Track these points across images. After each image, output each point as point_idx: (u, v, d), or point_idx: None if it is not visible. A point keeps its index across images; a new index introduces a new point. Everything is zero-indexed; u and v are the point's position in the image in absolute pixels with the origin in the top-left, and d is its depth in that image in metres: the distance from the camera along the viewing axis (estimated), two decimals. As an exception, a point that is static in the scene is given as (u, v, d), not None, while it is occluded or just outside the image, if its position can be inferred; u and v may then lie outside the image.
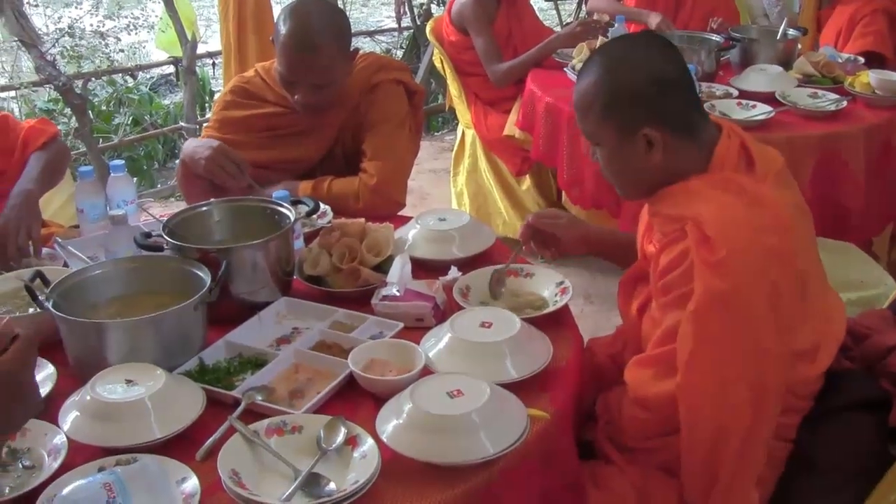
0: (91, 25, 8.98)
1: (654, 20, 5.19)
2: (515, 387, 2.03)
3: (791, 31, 4.83)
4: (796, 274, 2.09)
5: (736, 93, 4.34)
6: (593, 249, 2.68)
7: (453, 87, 5.53)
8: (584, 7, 8.56)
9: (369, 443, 1.87)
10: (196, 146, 3.02)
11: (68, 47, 8.47)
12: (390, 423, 1.90)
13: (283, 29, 2.99)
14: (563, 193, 4.84)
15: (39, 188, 2.98)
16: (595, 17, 5.14)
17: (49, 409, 2.05)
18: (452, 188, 5.70)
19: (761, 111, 4.08)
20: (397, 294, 2.38)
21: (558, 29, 5.67)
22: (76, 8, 9.46)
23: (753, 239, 2.02)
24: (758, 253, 2.01)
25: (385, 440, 1.86)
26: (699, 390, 2.02)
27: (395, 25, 9.60)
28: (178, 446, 1.93)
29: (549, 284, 2.53)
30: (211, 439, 1.94)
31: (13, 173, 3.06)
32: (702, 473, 2.07)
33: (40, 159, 3.07)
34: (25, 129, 3.15)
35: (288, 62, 3.00)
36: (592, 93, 2.22)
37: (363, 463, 1.83)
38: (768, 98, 4.24)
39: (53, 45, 7.85)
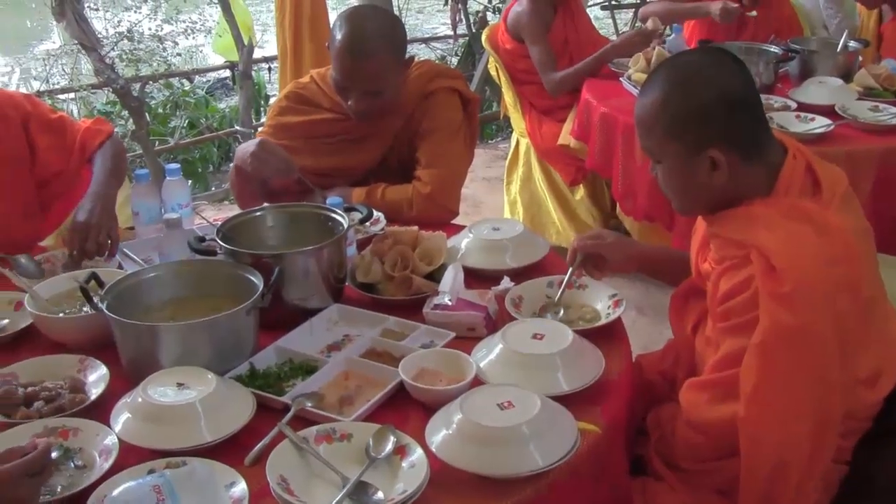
0: (149, 29, 9.06)
1: (714, 8, 5.13)
2: (566, 399, 2.02)
3: (852, 44, 4.75)
4: (863, 302, 2.05)
5: (794, 105, 4.28)
6: (642, 267, 2.63)
7: (508, 96, 5.52)
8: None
9: (418, 453, 1.86)
10: (245, 146, 3.03)
11: (127, 51, 8.55)
12: (440, 433, 1.89)
13: (338, 35, 2.99)
14: (618, 204, 4.80)
15: (114, 189, 3.01)
16: (650, 24, 5.08)
17: (101, 410, 2.07)
18: (506, 197, 5.68)
19: (820, 124, 4.01)
20: (449, 303, 2.37)
21: (614, 38, 5.63)
22: (135, 12, 9.54)
23: (822, 271, 1.97)
24: (826, 286, 1.96)
25: (434, 450, 1.86)
26: (762, 423, 1.98)
27: (450, 32, 9.61)
28: (228, 450, 1.93)
29: (602, 297, 2.50)
30: (260, 444, 1.94)
31: (71, 174, 3.08)
32: (759, 502, 2.04)
33: (105, 161, 3.08)
34: (82, 130, 3.17)
35: (342, 68, 3.00)
36: (657, 109, 2.16)
37: (412, 473, 1.82)
38: (827, 111, 4.17)
39: (112, 49, 7.92)
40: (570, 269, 2.51)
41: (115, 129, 3.28)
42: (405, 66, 3.12)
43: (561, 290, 2.49)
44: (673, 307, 2.48)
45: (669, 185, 2.24)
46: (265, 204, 2.70)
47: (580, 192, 5.23)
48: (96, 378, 2.21)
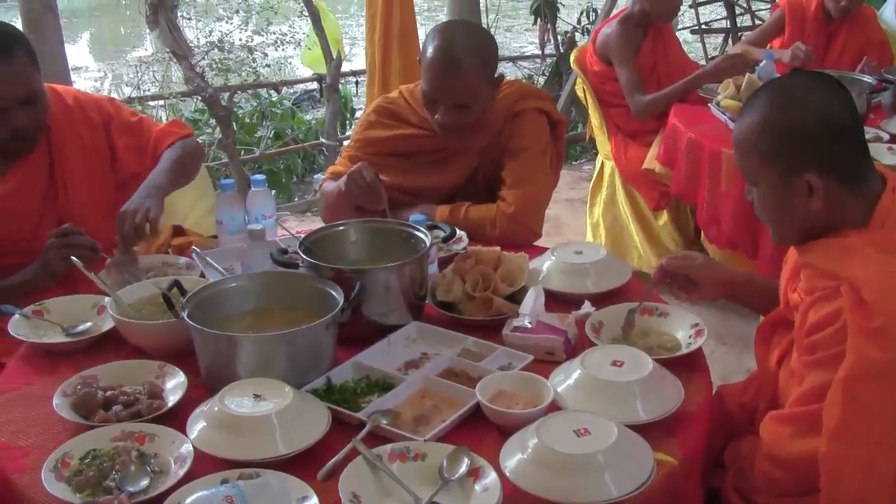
0: (240, 40, 9.17)
1: (786, 56, 5.05)
2: (644, 429, 1.98)
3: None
4: None
5: (887, 137, 4.20)
6: (730, 293, 2.59)
7: (594, 118, 5.49)
8: (730, 41, 8.45)
9: (492, 476, 1.84)
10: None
11: (217, 60, 8.66)
12: (514, 457, 1.88)
13: (429, 47, 3.00)
14: (702, 231, 4.74)
15: (166, 185, 3.04)
16: (738, 48, 5.01)
17: (177, 417, 2.09)
18: (588, 219, 5.65)
19: (913, 156, 3.93)
20: (529, 326, 2.35)
21: (703, 63, 5.57)
22: (227, 22, 9.69)
23: None
24: None
25: (508, 474, 1.84)
26: (845, 460, 1.93)
27: (538, 52, 9.59)
28: (301, 464, 1.93)
29: (683, 325, 2.46)
30: (333, 460, 1.93)
31: (146, 175, 3.11)
32: None
33: (169, 157, 3.13)
34: (157, 131, 3.23)
35: (432, 80, 3.00)
36: (756, 130, 2.13)
37: (484, 496, 1.81)
38: (921, 143, 4.09)
39: (203, 58, 8.04)
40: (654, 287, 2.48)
41: (194, 133, 3.32)
42: (495, 84, 3.11)
43: (642, 301, 2.49)
44: (759, 338, 2.44)
45: (765, 210, 2.21)
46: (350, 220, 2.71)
47: (664, 218, 5.19)
48: (174, 385, 2.23)
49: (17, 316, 2.59)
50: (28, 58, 2.88)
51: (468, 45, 2.99)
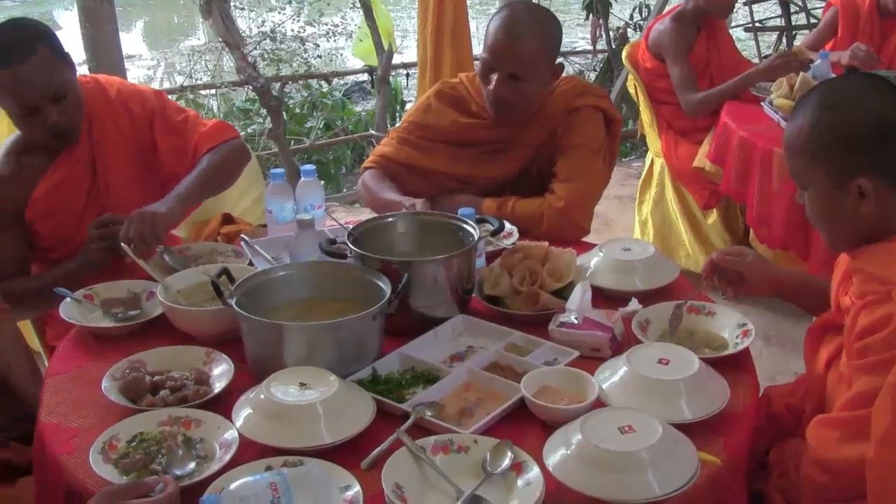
0: (292, 30, 9.23)
1: (844, 57, 4.97)
2: (688, 428, 1.97)
3: None
4: None
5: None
6: (780, 292, 2.57)
7: (645, 115, 5.47)
8: (783, 40, 8.36)
9: (535, 471, 1.84)
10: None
11: (269, 50, 8.72)
12: (558, 452, 1.87)
13: (496, 17, 3.03)
14: (751, 231, 4.71)
15: (192, 194, 3.02)
16: (794, 48, 4.96)
17: (223, 404, 2.10)
18: (637, 216, 5.63)
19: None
20: (575, 322, 2.34)
21: (756, 61, 5.52)
22: (279, 13, 9.74)
23: None
24: None
25: (551, 469, 1.83)
26: (893, 467, 1.90)
27: (589, 47, 9.56)
28: (345, 453, 1.94)
29: (730, 325, 2.44)
30: (377, 450, 1.94)
31: (184, 177, 3.11)
32: None
33: (206, 163, 3.09)
34: (200, 134, 3.19)
35: (493, 45, 3.00)
36: (807, 132, 2.11)
37: (527, 490, 1.80)
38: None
39: (255, 48, 8.09)
40: (703, 282, 2.46)
41: (239, 136, 3.29)
42: (554, 71, 3.11)
43: (690, 296, 2.48)
44: (809, 340, 2.41)
45: (815, 213, 2.18)
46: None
47: (713, 217, 5.16)
48: (221, 372, 2.25)
49: (68, 300, 2.62)
50: (52, 53, 2.88)
51: (533, 18, 3.02)
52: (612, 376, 2.14)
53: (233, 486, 1.78)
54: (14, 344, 2.76)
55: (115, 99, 3.14)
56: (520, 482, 1.83)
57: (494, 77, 3.02)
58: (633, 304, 2.51)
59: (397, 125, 3.41)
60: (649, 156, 5.59)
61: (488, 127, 3.17)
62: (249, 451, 1.94)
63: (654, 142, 5.44)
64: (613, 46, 8.62)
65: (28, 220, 3.00)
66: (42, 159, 3.02)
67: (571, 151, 3.15)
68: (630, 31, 8.86)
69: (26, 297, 2.91)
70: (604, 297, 2.58)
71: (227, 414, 2.05)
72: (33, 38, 2.85)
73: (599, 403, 2.05)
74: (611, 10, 8.92)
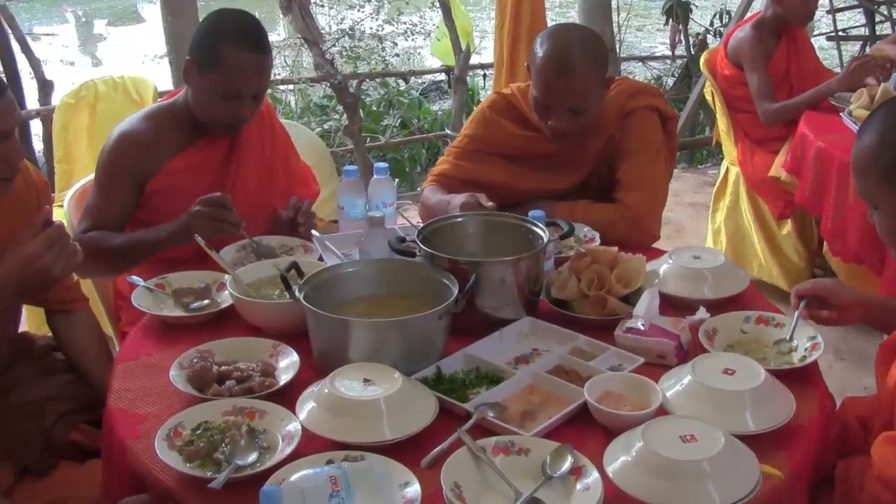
0: (371, 28, 9.28)
1: None
2: (751, 440, 1.95)
3: None
4: None
5: None
6: (869, 316, 2.49)
7: (722, 122, 5.42)
8: (867, 49, 8.23)
9: (594, 476, 1.84)
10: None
11: (347, 48, 8.78)
12: (618, 459, 1.86)
13: (539, 52, 2.95)
14: (825, 243, 4.64)
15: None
16: (874, 51, 4.86)
17: (288, 396, 2.13)
18: (710, 224, 5.58)
19: None
20: (642, 328, 2.33)
21: (838, 71, 5.44)
22: (358, 11, 9.80)
23: None
24: None
25: (611, 475, 1.83)
26: None
27: (668, 53, 9.49)
28: (405, 450, 1.95)
29: (800, 338, 2.41)
30: (438, 448, 1.95)
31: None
32: None
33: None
34: (300, 191, 3.30)
35: (544, 84, 2.95)
36: (873, 151, 2.07)
37: (585, 495, 1.80)
38: None
39: (333, 45, 8.14)
40: (796, 313, 2.42)
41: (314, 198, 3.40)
42: (605, 86, 3.06)
43: (792, 328, 2.41)
44: (880, 357, 2.37)
45: (887, 234, 2.15)
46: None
47: (787, 227, 5.09)
48: (287, 364, 2.27)
49: (140, 287, 2.66)
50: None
51: (580, 49, 2.93)
52: (676, 384, 2.12)
53: (293, 477, 1.80)
54: (90, 331, 2.83)
55: (265, 113, 3.21)
56: (579, 486, 1.83)
57: (551, 113, 2.98)
58: (701, 313, 2.48)
59: (452, 142, 3.39)
60: (724, 164, 5.54)
61: (548, 141, 3.11)
62: (311, 444, 1.96)
63: (729, 150, 5.39)
64: (692, 52, 8.54)
65: (149, 190, 3.03)
66: (181, 137, 3.06)
67: (632, 157, 3.11)
68: (710, 38, 8.77)
69: (106, 253, 2.95)
70: (671, 305, 2.57)
71: (291, 406, 2.07)
72: (265, 35, 2.99)
73: (662, 411, 2.04)
74: (691, 16, 8.84)
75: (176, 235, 2.87)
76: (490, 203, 2.84)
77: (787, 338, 2.39)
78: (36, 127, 6.88)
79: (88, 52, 15.61)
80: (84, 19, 17.84)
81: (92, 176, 3.17)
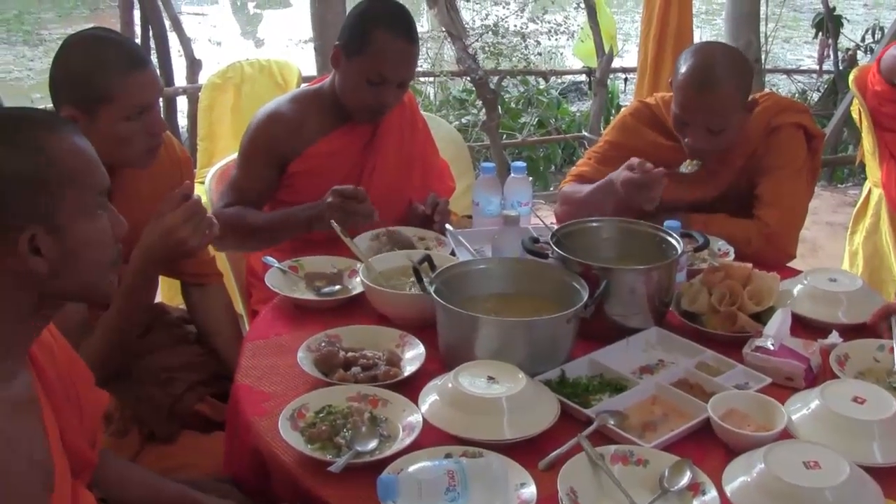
0: (514, 26, 9.29)
1: None
2: (878, 472, 1.90)
3: None
4: None
5: None
6: None
7: (867, 142, 5.27)
8: None
9: (712, 494, 1.82)
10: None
11: (490, 43, 8.80)
12: (738, 479, 1.85)
13: (683, 68, 2.92)
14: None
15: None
16: None
17: (411, 387, 2.16)
18: (847, 246, 5.44)
19: None
20: (771, 348, 2.29)
21: None
22: (503, 7, 9.81)
23: None
24: None
25: (729, 495, 1.82)
26: None
27: (815, 66, 9.29)
28: (523, 451, 1.95)
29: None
30: (556, 452, 1.95)
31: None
32: None
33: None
34: (437, 187, 3.31)
35: (685, 100, 2.91)
36: None
37: (702, 512, 1.79)
38: None
39: (476, 40, 8.17)
40: None
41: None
42: (749, 108, 3.00)
43: None
44: None
45: None
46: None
47: (928, 254, 4.95)
48: (412, 355, 2.30)
49: (274, 269, 2.72)
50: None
51: (724, 66, 2.90)
52: (802, 408, 2.08)
53: (411, 468, 1.83)
54: (223, 306, 2.90)
55: (408, 104, 3.25)
56: (695, 503, 1.82)
57: (690, 131, 2.95)
58: (834, 337, 2.43)
59: (592, 146, 3.37)
60: (867, 184, 5.40)
61: (684, 152, 3.06)
62: (431, 436, 1.98)
63: (873, 170, 5.25)
64: (840, 68, 8.35)
65: (290, 171, 3.09)
66: (325, 122, 3.11)
67: (774, 173, 3.05)
68: (860, 54, 8.57)
69: (243, 230, 3.02)
70: (803, 327, 2.52)
71: (414, 398, 2.09)
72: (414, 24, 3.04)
73: (787, 434, 2.00)
74: (842, 30, 8.64)
75: (311, 221, 2.92)
76: (649, 164, 2.83)
77: (894, 367, 2.32)
78: (182, 104, 7.08)
79: (248, 32, 15.94)
80: (238, 2, 18.23)
81: (234, 155, 3.24)
